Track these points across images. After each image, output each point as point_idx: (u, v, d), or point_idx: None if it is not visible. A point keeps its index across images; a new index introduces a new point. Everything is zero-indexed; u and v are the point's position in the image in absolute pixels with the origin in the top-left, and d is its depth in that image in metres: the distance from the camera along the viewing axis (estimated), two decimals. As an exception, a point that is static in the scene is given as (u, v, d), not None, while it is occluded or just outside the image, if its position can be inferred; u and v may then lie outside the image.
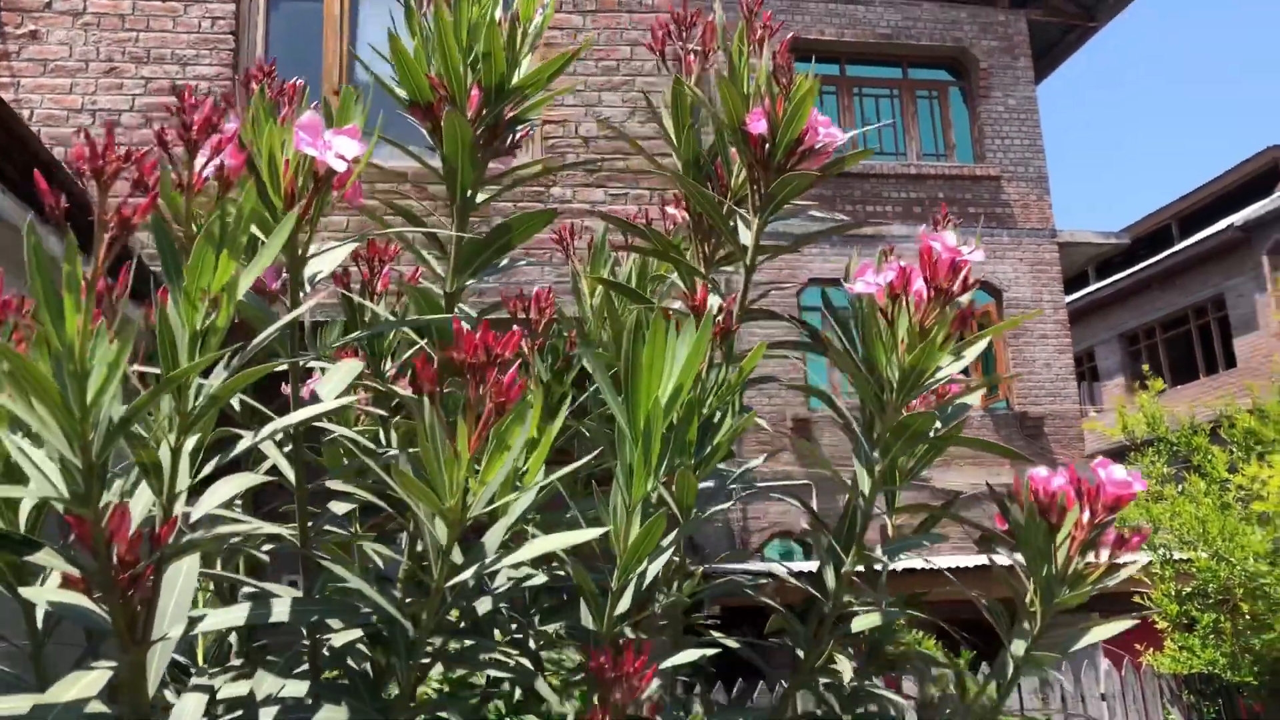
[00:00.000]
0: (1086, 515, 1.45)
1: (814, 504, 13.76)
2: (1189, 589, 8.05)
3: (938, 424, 1.62)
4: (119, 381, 1.10)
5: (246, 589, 1.49)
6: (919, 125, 16.67)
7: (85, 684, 1.06)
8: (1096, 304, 24.50)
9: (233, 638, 1.73)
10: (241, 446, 1.25)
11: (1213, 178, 23.97)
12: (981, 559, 9.43)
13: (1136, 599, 8.31)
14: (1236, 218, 20.98)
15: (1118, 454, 16.54)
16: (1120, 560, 1.49)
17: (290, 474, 1.45)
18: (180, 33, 8.40)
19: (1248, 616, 7.67)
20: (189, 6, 8.46)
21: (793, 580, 1.68)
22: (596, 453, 1.50)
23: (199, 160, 1.25)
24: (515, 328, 1.21)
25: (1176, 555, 7.93)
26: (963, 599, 1.80)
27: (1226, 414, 8.23)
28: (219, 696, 1.34)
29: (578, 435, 1.99)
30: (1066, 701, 8.00)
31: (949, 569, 8.50)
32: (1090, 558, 1.52)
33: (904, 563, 1.93)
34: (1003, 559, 1.72)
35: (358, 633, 1.46)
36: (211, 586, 1.72)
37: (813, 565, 1.93)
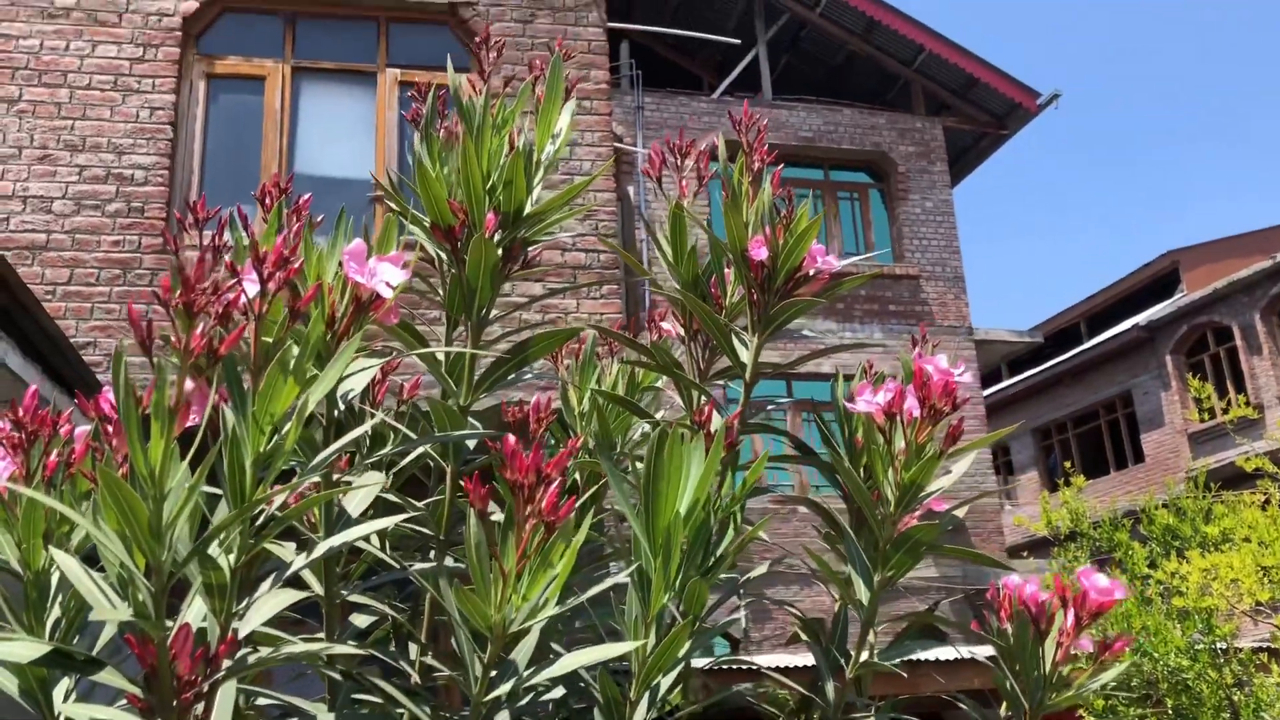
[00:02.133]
0: (1071, 621, 1.54)
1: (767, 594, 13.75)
2: (1114, 684, 8.23)
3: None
4: (193, 506, 1.14)
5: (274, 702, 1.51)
6: (840, 225, 17.19)
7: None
8: (1010, 399, 25.22)
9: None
10: (291, 570, 1.29)
11: (1117, 279, 25.04)
12: (962, 652, 9.49)
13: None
14: (1140, 318, 21.92)
15: (1036, 547, 16.89)
16: (1105, 663, 1.59)
17: (320, 590, 1.48)
18: (118, 122, 8.38)
19: (1171, 712, 7.86)
20: (127, 96, 8.45)
21: (790, 683, 1.74)
22: (620, 575, 1.55)
23: (270, 287, 1.31)
24: (565, 450, 1.28)
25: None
26: (938, 695, 1.87)
27: (1145, 509, 8.53)
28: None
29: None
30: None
31: (931, 660, 8.53)
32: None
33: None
34: (983, 651, 1.81)
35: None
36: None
37: (754, 659, 1.99)
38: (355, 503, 1.53)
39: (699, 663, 1.97)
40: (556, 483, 1.29)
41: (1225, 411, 11.54)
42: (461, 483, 1.30)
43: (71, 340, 6.38)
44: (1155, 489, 9.55)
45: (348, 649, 1.46)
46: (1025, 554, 15.62)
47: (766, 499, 14.14)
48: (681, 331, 2.03)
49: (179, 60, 8.57)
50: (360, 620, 1.63)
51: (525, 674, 1.31)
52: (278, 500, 1.23)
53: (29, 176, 8.22)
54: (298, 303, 1.27)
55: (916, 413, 1.63)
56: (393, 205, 1.81)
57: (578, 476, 2.25)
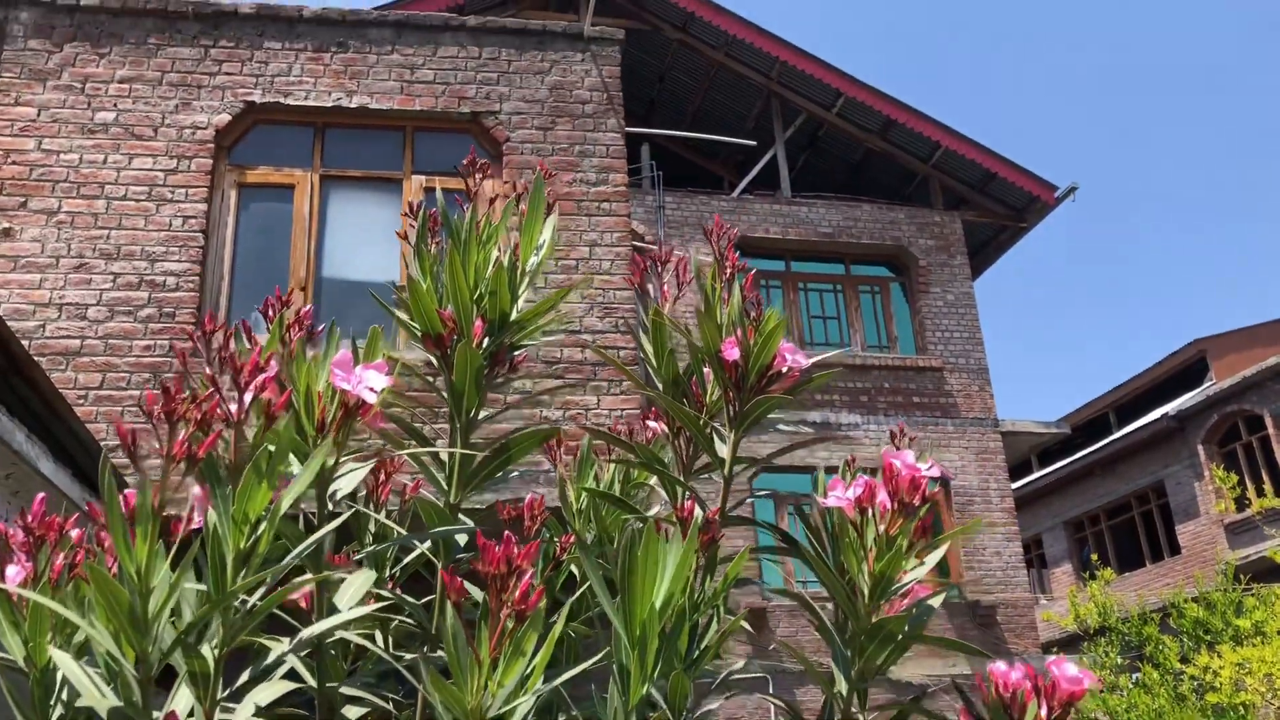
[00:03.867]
0: (1044, 711, 1.58)
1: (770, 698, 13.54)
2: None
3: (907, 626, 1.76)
4: (174, 599, 1.22)
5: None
6: (862, 318, 17.31)
7: None
8: (1041, 491, 24.97)
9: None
10: (274, 656, 1.35)
11: (1145, 368, 24.97)
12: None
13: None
14: (1170, 407, 21.77)
15: (1071, 642, 16.56)
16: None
17: (312, 681, 1.55)
18: (152, 230, 8.66)
19: (1209, 811, 7.64)
20: (161, 206, 8.74)
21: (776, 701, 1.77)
22: (597, 659, 1.61)
23: (246, 397, 1.41)
24: (534, 541, 1.35)
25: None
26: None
27: (1174, 603, 8.40)
28: None
29: (565, 641, 2.10)
30: None
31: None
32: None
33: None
34: None
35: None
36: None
37: None
38: (347, 597, 1.60)
39: None
40: (529, 574, 1.36)
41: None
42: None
43: (103, 443, 6.52)
44: (1189, 583, 9.39)
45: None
46: (1056, 650, 15.31)
47: (754, 593, 14.05)
48: (666, 429, 2.11)
49: (211, 171, 8.88)
50: (353, 713, 1.68)
51: (501, 763, 1.36)
52: (257, 593, 1.31)
53: (65, 285, 8.49)
54: (275, 407, 1.37)
55: (887, 505, 1.69)
56: (394, 314, 1.91)
57: (574, 570, 2.31)
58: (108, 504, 1.17)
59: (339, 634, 1.87)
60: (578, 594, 2.15)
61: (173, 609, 1.25)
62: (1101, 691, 8.00)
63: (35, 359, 5.72)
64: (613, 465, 2.33)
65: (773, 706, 13.29)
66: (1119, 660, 8.49)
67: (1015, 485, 21.97)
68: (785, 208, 17.03)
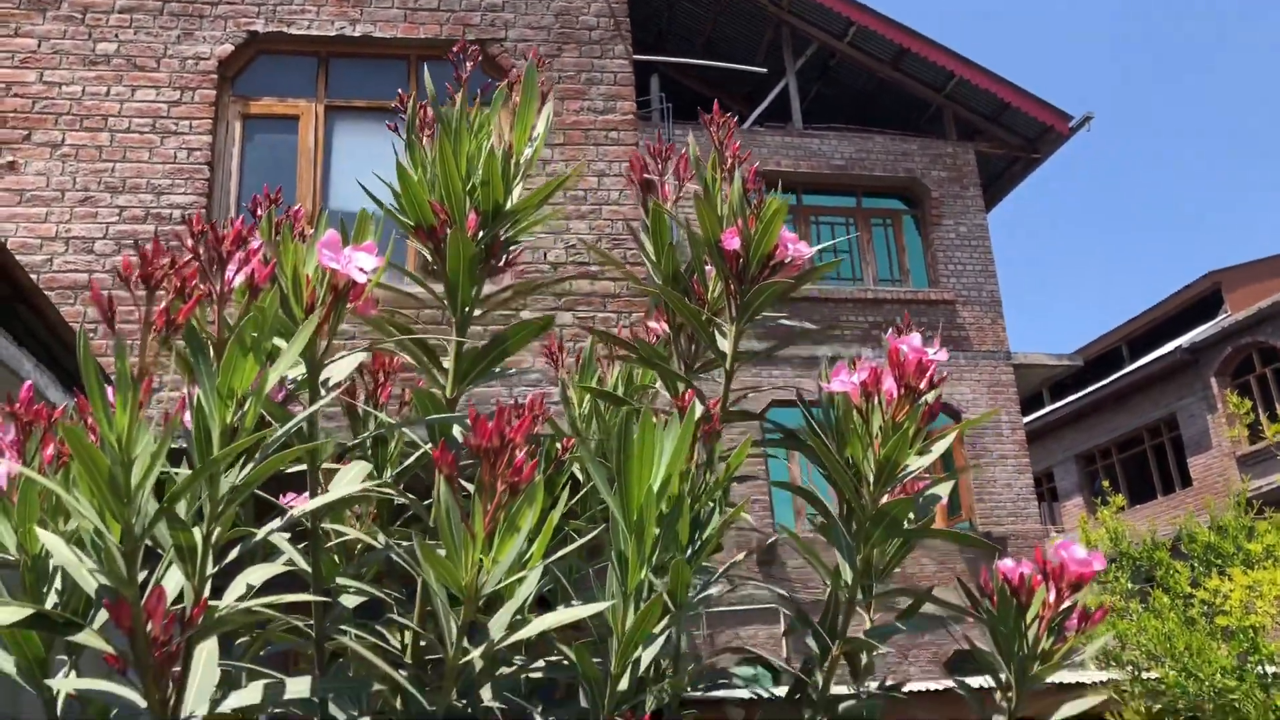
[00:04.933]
0: (1053, 595, 1.55)
1: (781, 628, 13.68)
2: (1159, 706, 8.07)
3: (911, 515, 1.73)
4: (159, 471, 1.19)
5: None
6: (874, 251, 17.17)
7: (125, 756, 1.12)
8: (1052, 425, 24.91)
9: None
10: (263, 532, 1.33)
11: (1158, 301, 24.76)
12: (947, 683, 9.41)
13: (1108, 717, 8.30)
14: (1184, 340, 21.62)
15: (1081, 573, 16.56)
16: (1087, 635, 1.59)
17: (307, 566, 1.53)
18: (156, 163, 8.59)
19: (1218, 733, 7.68)
20: (166, 139, 8.67)
21: (780, 663, 1.76)
22: (597, 530, 1.59)
23: (229, 270, 1.37)
24: (525, 412, 1.32)
25: (1145, 672, 7.97)
26: None
27: (1186, 529, 8.38)
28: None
29: (567, 539, 2.08)
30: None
31: (915, 691, 8.47)
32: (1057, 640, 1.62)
33: (872, 685, 2.00)
34: (971, 681, 1.81)
35: (365, 721, 1.51)
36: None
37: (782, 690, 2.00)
38: (342, 486, 1.57)
39: (740, 693, 1.99)
40: (524, 450, 1.33)
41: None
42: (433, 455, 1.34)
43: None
44: (1201, 515, 9.37)
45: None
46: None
47: (758, 487, 14.08)
48: (667, 329, 2.07)
49: (215, 102, 8.78)
50: (350, 602, 1.67)
51: (497, 637, 1.34)
52: (245, 469, 1.28)
53: (71, 219, 8.44)
54: (258, 279, 1.33)
55: (894, 393, 1.65)
56: (384, 206, 1.86)
57: (577, 475, 2.29)
58: (85, 371, 1.14)
59: (338, 539, 1.85)
60: (580, 494, 2.13)
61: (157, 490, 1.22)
62: (1112, 618, 8.01)
63: (44, 291, 5.69)
64: (615, 367, 2.29)
65: (785, 641, 13.41)
66: (1130, 586, 8.50)
67: (1027, 419, 21.93)
68: (796, 140, 16.81)
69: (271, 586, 1.71)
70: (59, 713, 1.46)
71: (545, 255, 8.45)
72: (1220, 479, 20.29)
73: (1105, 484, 10.29)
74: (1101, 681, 8.12)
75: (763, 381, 14.39)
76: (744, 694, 2.15)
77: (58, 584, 1.54)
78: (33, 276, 7.68)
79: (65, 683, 1.34)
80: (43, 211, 8.25)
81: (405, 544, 1.64)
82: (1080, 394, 24.26)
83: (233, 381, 1.27)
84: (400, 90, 1.96)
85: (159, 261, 1.18)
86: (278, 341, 1.53)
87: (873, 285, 16.74)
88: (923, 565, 14.13)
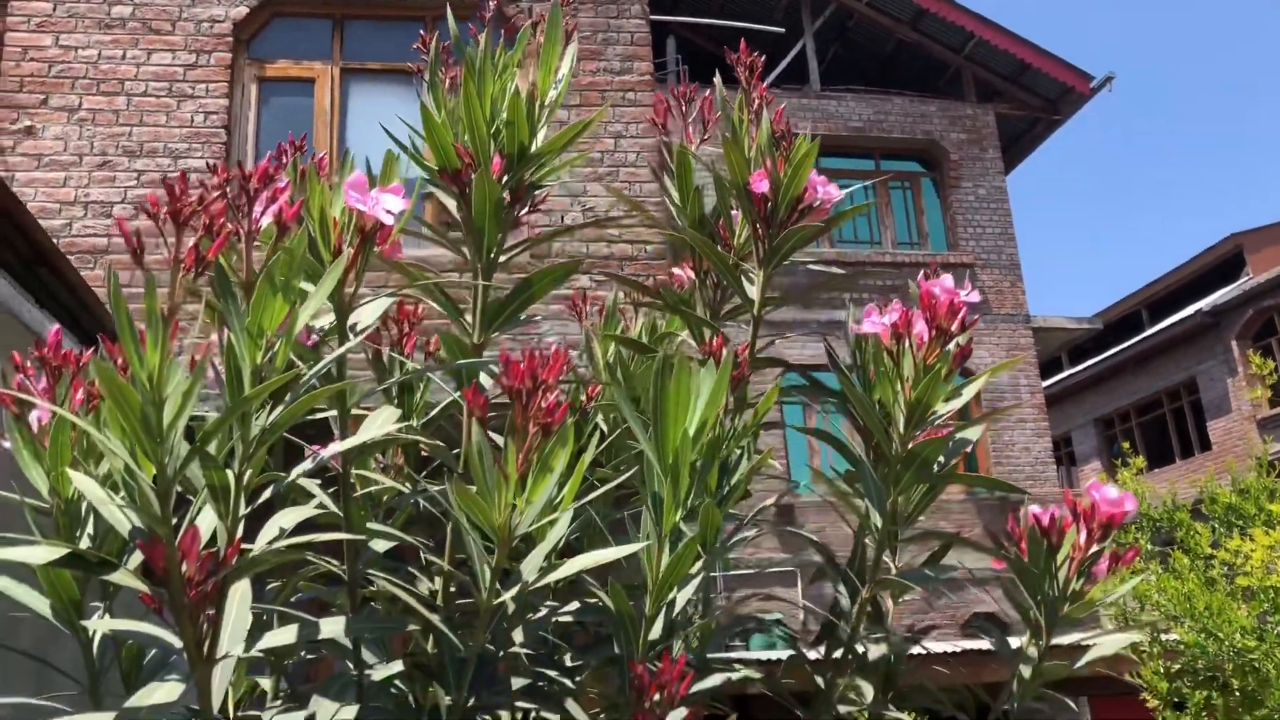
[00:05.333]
0: (1084, 536, 1.54)
1: (799, 590, 13.72)
2: (1178, 666, 8.05)
3: (940, 459, 1.71)
4: (190, 409, 1.18)
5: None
6: (893, 215, 17.06)
7: (165, 691, 1.12)
8: (1071, 389, 24.80)
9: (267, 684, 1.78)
10: (295, 473, 1.33)
11: (1179, 264, 24.54)
12: (969, 644, 9.43)
13: (1128, 678, 8.30)
14: (1204, 303, 21.43)
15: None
16: (1119, 575, 1.58)
17: (338, 510, 1.53)
18: (174, 127, 8.58)
19: (1238, 693, 7.66)
20: (182, 102, 8.65)
21: (804, 604, 1.75)
22: (630, 472, 1.58)
23: (256, 209, 1.36)
24: (557, 350, 1.31)
25: (1165, 633, 7.95)
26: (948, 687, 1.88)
27: (1208, 491, 8.33)
28: (269, 722, 1.40)
29: (595, 489, 2.07)
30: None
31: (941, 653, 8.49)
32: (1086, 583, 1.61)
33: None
34: (991, 643, 1.80)
35: (399, 666, 1.52)
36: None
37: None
38: (370, 432, 1.56)
39: (764, 654, 1.99)
40: (555, 392, 1.32)
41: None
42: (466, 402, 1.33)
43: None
44: (1221, 478, 9.34)
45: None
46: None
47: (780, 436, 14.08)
48: (693, 275, 2.05)
49: (231, 65, 8.76)
50: (380, 546, 1.67)
51: (531, 578, 1.34)
52: (275, 411, 1.27)
53: (89, 183, 8.45)
54: (285, 217, 1.32)
55: (925, 335, 1.64)
56: (406, 149, 1.84)
57: (602, 426, 2.28)
58: (115, 308, 1.13)
59: (366, 488, 1.86)
60: (606, 443, 2.12)
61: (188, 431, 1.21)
62: (1131, 578, 7.98)
63: (64, 254, 5.70)
64: (640, 315, 2.28)
65: (802, 602, 13.44)
66: (1149, 547, 8.47)
67: (1046, 383, 21.83)
68: (814, 102, 16.67)
69: (302, 533, 1.72)
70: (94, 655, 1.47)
71: (562, 219, 8.42)
72: (1240, 442, 20.19)
73: (1125, 445, 10.25)
74: (1121, 640, 8.11)
75: (779, 352, 14.35)
76: (764, 655, 2.16)
77: (90, 529, 1.54)
78: (54, 240, 7.69)
79: (101, 624, 1.34)
80: (61, 176, 8.27)
81: (437, 487, 1.64)
82: (1100, 357, 24.13)
83: (262, 321, 1.26)
84: (421, 32, 1.94)
85: (187, 198, 1.17)
86: (305, 286, 1.52)
87: (891, 248, 16.65)
88: (940, 528, 14.14)
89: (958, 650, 8.69)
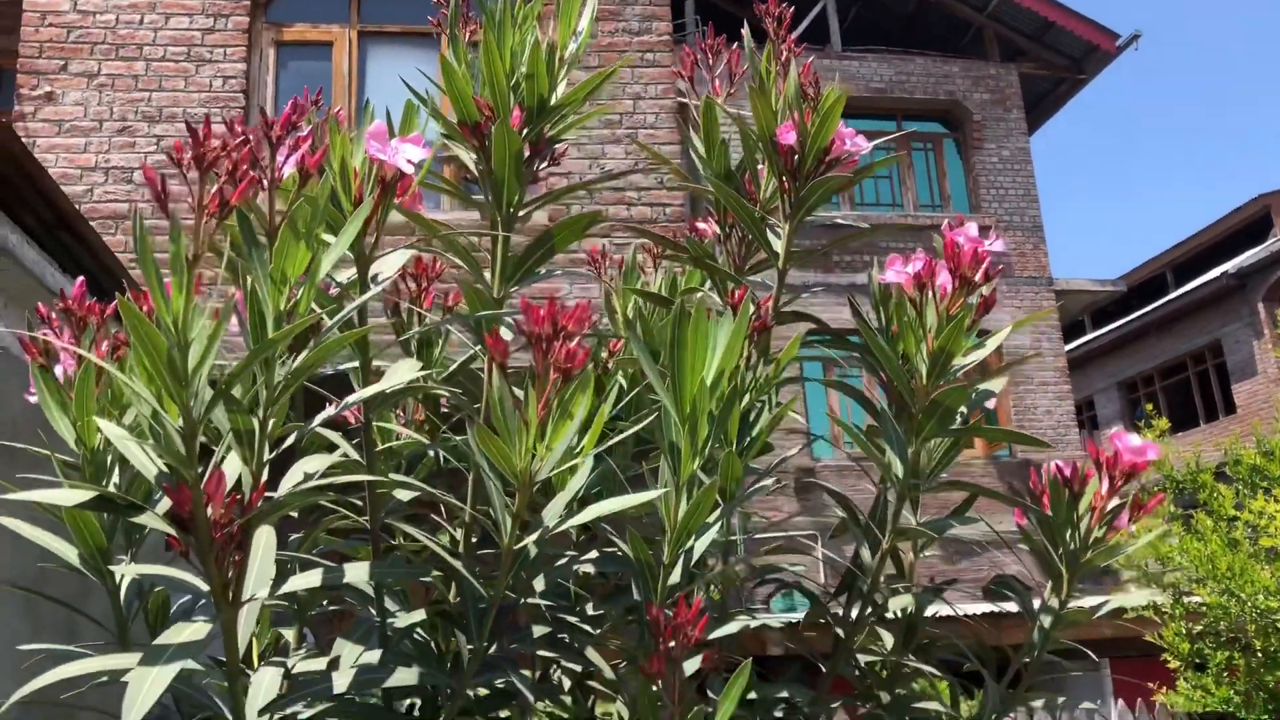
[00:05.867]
0: (1106, 485, 1.53)
1: (819, 554, 13.76)
2: (1200, 627, 8.05)
3: (963, 410, 1.71)
4: (215, 353, 1.19)
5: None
6: (915, 177, 16.92)
7: (193, 630, 1.14)
8: (1094, 352, 24.64)
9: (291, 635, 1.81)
10: (318, 420, 1.34)
11: (1205, 225, 24.25)
12: (987, 607, 9.44)
13: (1149, 639, 8.30)
14: (1230, 265, 21.20)
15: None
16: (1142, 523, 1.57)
17: (360, 458, 1.54)
18: (192, 92, 8.58)
19: (1260, 654, 7.66)
20: (200, 67, 8.65)
21: (835, 556, 1.75)
22: (648, 419, 1.58)
23: (280, 156, 1.36)
24: (579, 302, 1.31)
25: (1187, 594, 7.94)
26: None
27: (1233, 453, 8.28)
28: (295, 670, 1.42)
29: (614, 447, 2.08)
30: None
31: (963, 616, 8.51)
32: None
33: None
34: (1011, 605, 1.80)
35: (421, 614, 1.53)
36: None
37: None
38: (394, 378, 1.57)
39: (787, 616, 2.00)
40: (576, 339, 1.32)
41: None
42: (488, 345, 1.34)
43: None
44: (1247, 440, 9.28)
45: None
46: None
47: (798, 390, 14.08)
48: (717, 229, 2.04)
49: (248, 29, 8.75)
50: (404, 495, 1.68)
51: (552, 524, 1.35)
52: (300, 356, 1.28)
53: (109, 149, 8.47)
54: (308, 164, 1.32)
55: (949, 285, 1.62)
56: (426, 103, 1.84)
57: (622, 383, 2.28)
58: (141, 254, 1.13)
59: (387, 443, 1.86)
60: (625, 400, 2.12)
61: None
62: (1154, 540, 7.97)
63: (86, 219, 5.72)
64: (661, 269, 2.27)
65: (822, 564, 13.49)
66: (1173, 510, 8.44)
67: (1068, 347, 21.70)
68: (835, 62, 16.49)
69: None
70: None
71: (580, 179, 8.40)
72: (1265, 405, 20.03)
73: (1149, 408, 10.19)
74: (1143, 598, 8.10)
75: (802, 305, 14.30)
76: (786, 617, 2.16)
77: (115, 478, 1.56)
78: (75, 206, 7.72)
79: (129, 568, 1.36)
80: (81, 142, 8.30)
81: (458, 437, 1.64)
82: (1123, 320, 23.94)
83: (285, 268, 1.26)
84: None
85: (211, 142, 1.17)
86: (326, 237, 1.52)
87: (913, 210, 16.52)
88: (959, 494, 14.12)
89: (979, 613, 8.71)
